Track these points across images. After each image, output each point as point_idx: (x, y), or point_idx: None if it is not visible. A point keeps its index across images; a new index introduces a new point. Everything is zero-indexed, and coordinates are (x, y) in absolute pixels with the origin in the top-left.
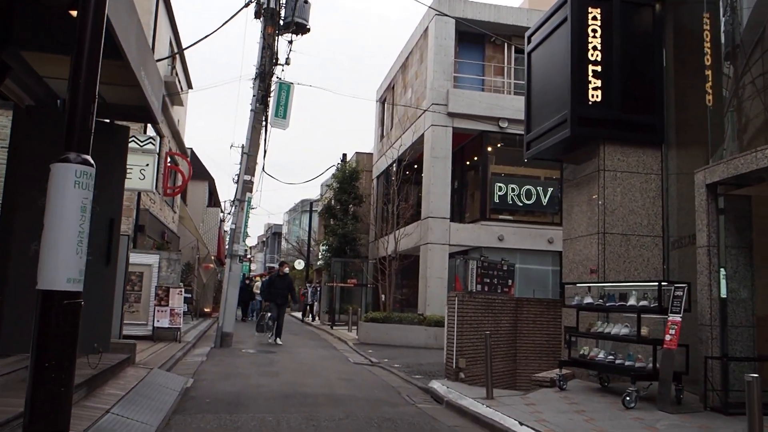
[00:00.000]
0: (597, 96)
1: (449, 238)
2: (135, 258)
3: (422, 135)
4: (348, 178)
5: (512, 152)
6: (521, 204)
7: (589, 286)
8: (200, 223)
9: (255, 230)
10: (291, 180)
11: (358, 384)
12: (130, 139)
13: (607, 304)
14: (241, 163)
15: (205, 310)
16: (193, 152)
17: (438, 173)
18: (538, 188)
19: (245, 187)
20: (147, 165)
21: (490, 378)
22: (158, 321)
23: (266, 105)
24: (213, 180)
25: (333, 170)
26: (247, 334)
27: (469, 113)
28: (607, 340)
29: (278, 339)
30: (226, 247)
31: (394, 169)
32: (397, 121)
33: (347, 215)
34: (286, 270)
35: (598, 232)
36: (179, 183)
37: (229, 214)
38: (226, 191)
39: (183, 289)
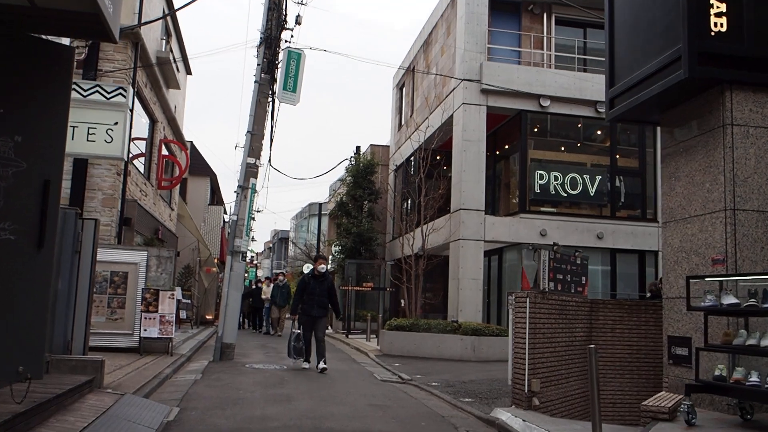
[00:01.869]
0: (721, 25)
1: (484, 234)
2: (118, 255)
3: (451, 116)
4: (363, 171)
5: (555, 135)
6: (565, 194)
7: (722, 281)
8: (201, 222)
9: (261, 236)
10: (298, 179)
11: (396, 413)
12: (92, 89)
13: (763, 306)
14: (245, 145)
15: (207, 317)
16: (193, 146)
17: (471, 159)
18: (584, 176)
19: (249, 171)
20: (116, 124)
21: (598, 411)
22: (146, 330)
23: (273, 76)
24: (215, 176)
25: (344, 168)
26: (253, 345)
27: (506, 89)
28: (758, 356)
29: (321, 362)
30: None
31: (419, 155)
32: (419, 106)
33: (362, 212)
34: (323, 268)
35: (724, 208)
36: (176, 175)
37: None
38: (229, 194)
39: (177, 293)
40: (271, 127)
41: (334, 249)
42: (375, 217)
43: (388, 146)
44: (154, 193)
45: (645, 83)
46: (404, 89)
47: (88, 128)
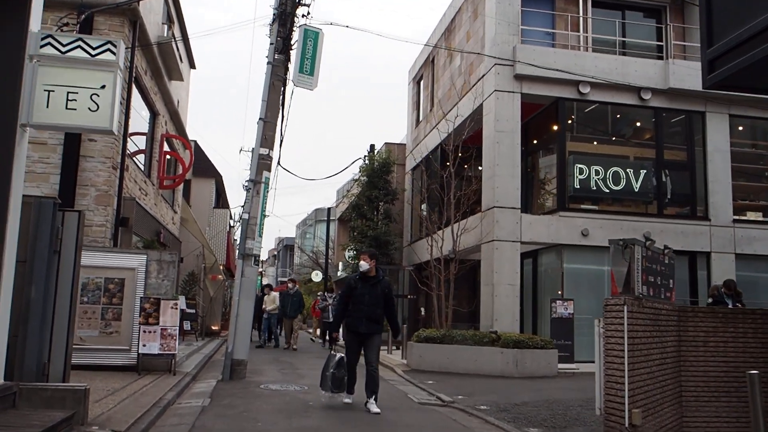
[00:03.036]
0: None
1: (520, 234)
2: (113, 259)
3: (481, 105)
4: (378, 170)
5: (595, 125)
6: (607, 190)
7: None
8: (206, 227)
9: (265, 244)
10: (309, 179)
11: None
12: (72, 44)
13: None
14: (256, 134)
15: (213, 328)
16: (197, 145)
17: (504, 152)
18: (627, 170)
19: (261, 163)
20: (103, 87)
21: None
22: (145, 346)
23: (288, 56)
24: (221, 177)
25: (358, 167)
26: (264, 359)
27: (541, 75)
28: None
29: (372, 400)
30: (237, 247)
31: (447, 146)
32: (440, 98)
33: (378, 214)
34: (366, 265)
35: None
36: (179, 173)
37: (238, 222)
38: (234, 197)
39: (181, 302)
40: (282, 119)
41: (347, 254)
42: (392, 220)
43: (404, 144)
44: (155, 193)
45: (758, 38)
46: (422, 82)
47: (68, 93)
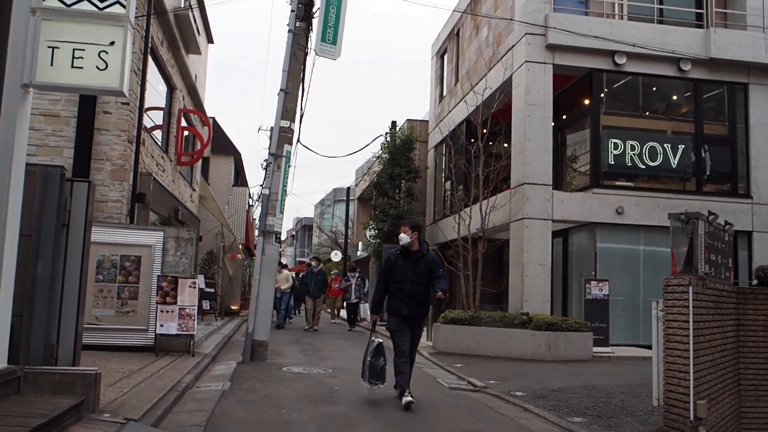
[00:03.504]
0: None
1: (552, 212)
2: (129, 236)
3: (510, 77)
4: (400, 147)
5: (630, 98)
6: (643, 166)
7: None
8: (225, 205)
9: (284, 224)
10: (329, 157)
11: None
12: None
13: None
14: (277, 105)
15: (232, 307)
16: (215, 122)
17: (535, 125)
18: (665, 145)
19: (282, 136)
20: (112, 44)
21: None
22: (162, 326)
23: (309, 25)
24: (239, 155)
25: (380, 144)
26: (285, 340)
27: (575, 45)
28: None
29: (407, 393)
30: (257, 223)
31: (476, 119)
32: (465, 72)
33: (400, 192)
34: (407, 237)
35: None
36: (197, 149)
37: (257, 200)
38: (253, 177)
39: (200, 281)
40: (302, 92)
41: (368, 233)
42: (414, 198)
43: (427, 121)
44: (173, 170)
45: None
46: (446, 56)
47: (74, 50)
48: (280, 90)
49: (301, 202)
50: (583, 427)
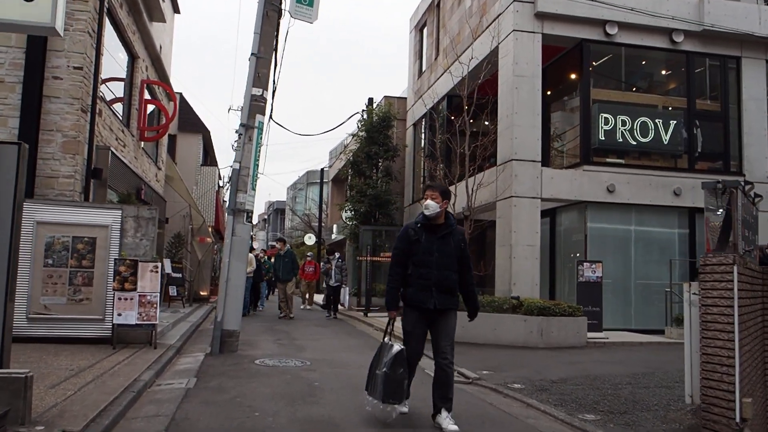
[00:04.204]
0: None
1: (541, 190)
2: (82, 215)
3: (497, 48)
4: (377, 125)
5: (621, 71)
6: (634, 143)
7: None
8: (193, 186)
9: (255, 208)
10: (303, 135)
11: None
12: None
13: None
14: (248, 71)
15: (201, 293)
16: (182, 98)
17: (524, 98)
18: (656, 121)
19: (254, 105)
20: None
21: None
22: (120, 315)
23: None
24: (208, 133)
25: (356, 122)
26: (257, 328)
27: (565, 13)
28: None
29: (445, 413)
30: (226, 202)
31: (462, 91)
32: (446, 45)
33: (377, 172)
34: (435, 206)
35: None
36: (162, 124)
37: (227, 182)
38: (223, 156)
39: (166, 265)
40: (275, 63)
41: (344, 214)
42: (392, 177)
43: (405, 98)
44: (135, 146)
45: None
46: (426, 30)
47: None
48: (252, 54)
49: (273, 184)
50: (599, 427)
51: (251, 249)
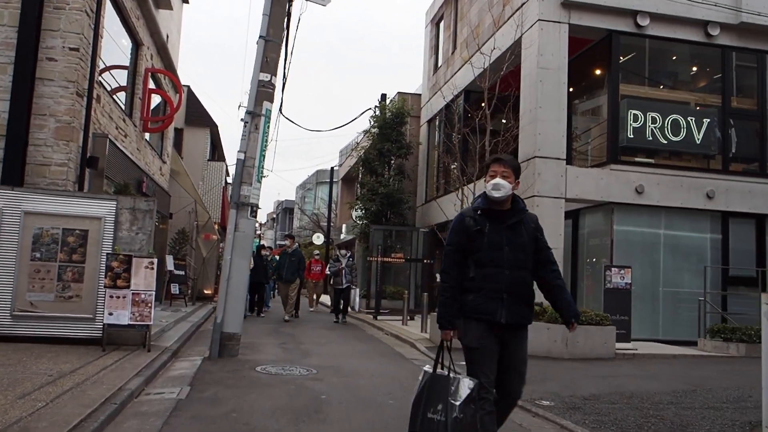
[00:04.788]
0: None
1: (565, 189)
2: (73, 205)
3: (519, 39)
4: (391, 121)
5: (653, 66)
6: (665, 141)
7: None
8: (199, 181)
9: (264, 206)
10: (314, 131)
11: None
12: None
13: None
14: (256, 55)
15: (206, 291)
16: (190, 91)
17: (548, 92)
18: (689, 119)
19: (261, 91)
20: None
21: None
22: (112, 314)
23: None
24: (216, 127)
25: (368, 118)
26: (261, 330)
27: (594, 3)
28: None
29: None
30: (231, 194)
31: (482, 83)
32: (464, 38)
33: (390, 170)
34: (506, 186)
35: None
36: (167, 114)
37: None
38: (231, 151)
39: (169, 262)
40: (285, 55)
41: (355, 213)
42: (405, 176)
43: (419, 95)
44: (138, 137)
45: None
46: (442, 23)
47: None
48: (260, 37)
49: (282, 183)
50: None
51: (263, 248)
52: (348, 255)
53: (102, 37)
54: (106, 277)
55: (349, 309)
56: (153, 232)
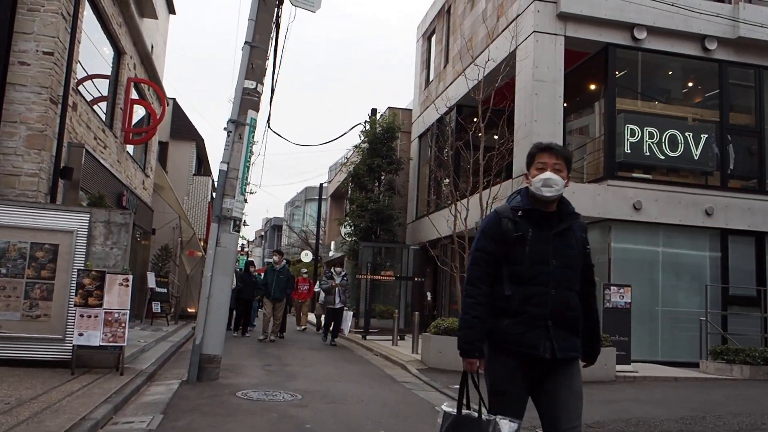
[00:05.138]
0: None
1: None
2: (43, 218)
3: (514, 51)
4: (381, 136)
5: (650, 79)
6: (662, 157)
7: None
8: (184, 196)
9: (252, 224)
10: (302, 145)
11: None
12: None
13: None
14: (241, 62)
15: (189, 310)
16: (176, 104)
17: (544, 105)
18: (686, 134)
19: (246, 99)
20: None
21: None
22: (82, 335)
23: None
24: (202, 141)
25: (359, 133)
26: (244, 351)
27: (590, 15)
28: None
29: None
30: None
31: (477, 95)
32: (457, 52)
33: (380, 185)
34: (559, 181)
35: None
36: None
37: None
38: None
39: (150, 280)
40: (273, 67)
41: (344, 230)
42: (395, 192)
43: (410, 110)
44: (118, 149)
45: None
46: (434, 38)
47: None
48: (246, 43)
49: (271, 200)
50: None
51: (252, 264)
52: (343, 273)
53: (80, 42)
54: (76, 295)
55: (333, 337)
56: (129, 247)
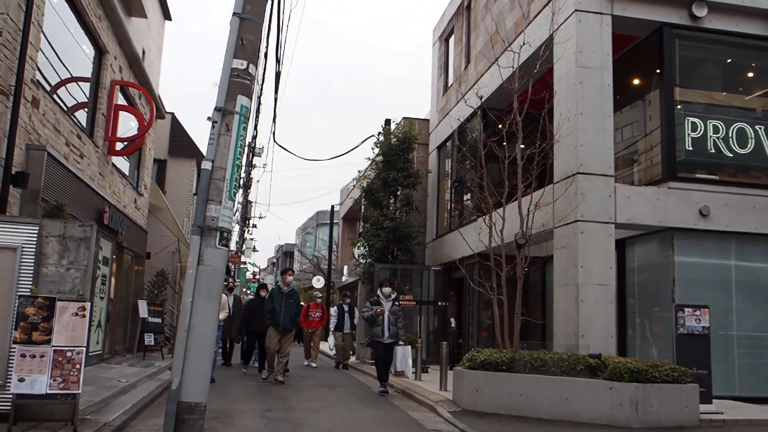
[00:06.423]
0: None
1: (615, 213)
2: None
3: (552, 36)
4: (397, 148)
5: (712, 66)
6: (730, 154)
7: None
8: (184, 218)
9: (264, 251)
10: (311, 160)
11: None
12: None
13: None
14: (229, 37)
15: None
16: (175, 118)
17: (589, 96)
18: (756, 127)
19: (235, 83)
20: None
21: None
22: (23, 381)
23: None
24: (204, 158)
25: (372, 145)
26: (240, 390)
27: None
28: None
29: None
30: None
31: (511, 85)
32: (481, 48)
33: (396, 201)
34: None
35: None
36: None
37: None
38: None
39: (142, 309)
40: (276, 58)
41: (357, 251)
42: (413, 208)
43: (427, 120)
44: (101, 160)
45: None
46: (453, 38)
47: None
48: (234, 14)
49: (283, 225)
50: None
51: (264, 288)
52: (393, 297)
53: (41, 26)
54: (16, 329)
55: (390, 376)
56: (90, 267)
